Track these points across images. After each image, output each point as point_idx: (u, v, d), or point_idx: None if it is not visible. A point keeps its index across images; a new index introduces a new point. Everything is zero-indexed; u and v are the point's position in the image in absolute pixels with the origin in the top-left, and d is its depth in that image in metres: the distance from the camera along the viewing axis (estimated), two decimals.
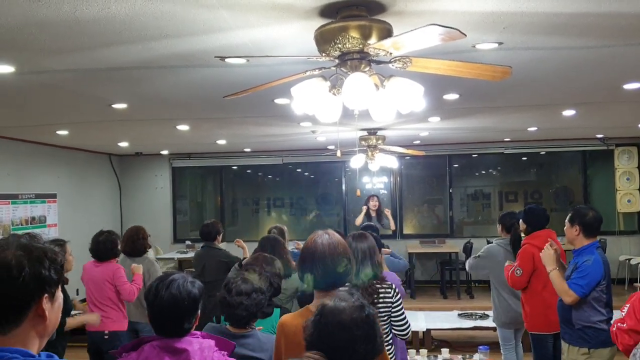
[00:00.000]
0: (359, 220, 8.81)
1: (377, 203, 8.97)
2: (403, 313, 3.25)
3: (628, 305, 3.16)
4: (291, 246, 6.05)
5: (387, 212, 9.07)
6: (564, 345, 4.01)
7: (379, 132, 7.79)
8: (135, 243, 5.29)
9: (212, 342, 2.23)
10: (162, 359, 2.14)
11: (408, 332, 3.27)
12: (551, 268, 4.02)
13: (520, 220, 4.87)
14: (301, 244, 6.16)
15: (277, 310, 3.23)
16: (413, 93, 2.85)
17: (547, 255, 4.07)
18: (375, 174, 10.74)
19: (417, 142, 9.99)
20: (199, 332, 2.25)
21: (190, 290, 2.24)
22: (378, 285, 3.23)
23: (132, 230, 5.41)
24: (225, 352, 2.25)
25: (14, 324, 1.31)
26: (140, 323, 5.15)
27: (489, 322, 7.03)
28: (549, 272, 4.04)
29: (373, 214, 8.91)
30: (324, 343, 1.83)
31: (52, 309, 1.36)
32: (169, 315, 2.21)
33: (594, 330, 3.76)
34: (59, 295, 1.40)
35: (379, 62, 2.85)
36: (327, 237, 2.38)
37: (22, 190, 8.21)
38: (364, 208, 8.94)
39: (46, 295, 1.34)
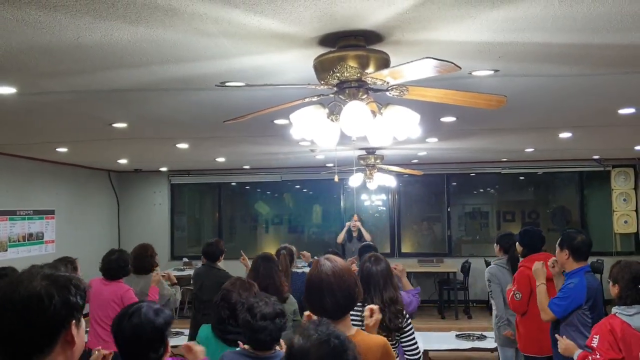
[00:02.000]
0: (340, 237, 9.27)
1: (357, 222, 9.30)
2: (413, 338, 3.25)
3: (597, 337, 3.19)
4: (299, 264, 6.05)
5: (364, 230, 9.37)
6: None
7: (377, 152, 7.83)
8: (143, 261, 5.27)
9: None
10: None
11: (419, 357, 3.29)
12: (540, 282, 4.13)
13: (517, 243, 4.90)
14: (307, 254, 6.16)
15: None
16: (409, 121, 2.90)
17: (538, 270, 4.17)
18: (373, 192, 10.79)
19: (415, 161, 10.03)
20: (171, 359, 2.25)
21: (153, 320, 2.22)
22: (398, 308, 3.24)
23: (141, 247, 5.41)
24: None
25: (46, 352, 1.35)
26: None
27: (487, 344, 7.01)
28: (537, 285, 4.14)
29: (355, 234, 9.19)
30: None
31: (79, 333, 1.41)
32: (132, 347, 2.22)
33: None
34: (83, 320, 1.44)
35: (376, 90, 2.90)
36: (329, 264, 2.33)
37: (20, 207, 8.24)
38: (347, 224, 9.35)
39: (74, 320, 1.38)
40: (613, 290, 3.33)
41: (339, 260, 2.42)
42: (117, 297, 4.79)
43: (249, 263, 5.88)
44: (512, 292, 4.65)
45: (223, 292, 3.40)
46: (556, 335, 3.73)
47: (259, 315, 2.77)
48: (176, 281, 5.80)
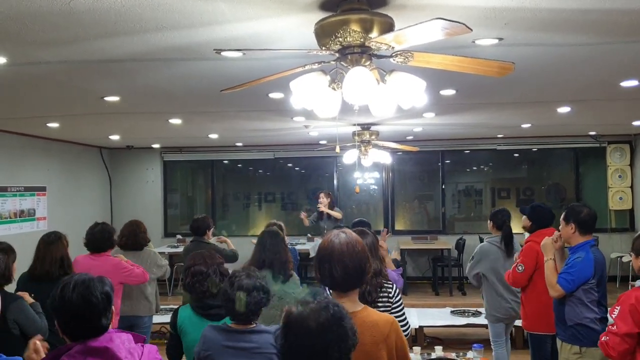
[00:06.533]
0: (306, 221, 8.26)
1: (325, 200, 8.22)
2: (403, 313, 3.22)
3: (618, 308, 3.15)
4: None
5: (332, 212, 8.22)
6: (559, 343, 3.98)
7: (373, 128, 7.75)
8: (137, 237, 5.25)
9: (129, 335, 2.15)
10: None
11: (407, 332, 3.25)
12: (548, 257, 4.01)
13: (524, 217, 4.83)
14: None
15: None
16: (415, 88, 2.81)
17: (547, 244, 4.06)
18: (367, 170, 10.73)
19: (410, 137, 9.96)
20: (112, 329, 2.15)
21: (98, 286, 2.13)
22: (383, 281, 3.19)
23: (133, 224, 5.34)
24: (140, 344, 2.18)
25: None
26: (140, 317, 5.14)
27: (482, 320, 7.03)
28: (545, 261, 4.03)
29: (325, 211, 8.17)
30: (297, 354, 1.82)
31: None
32: (82, 316, 2.08)
33: (586, 328, 3.73)
34: None
35: (380, 57, 2.81)
36: (344, 236, 2.29)
37: (11, 183, 8.11)
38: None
39: None
40: (636, 262, 3.27)
41: (354, 234, 2.37)
42: (110, 271, 4.66)
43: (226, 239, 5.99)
44: (515, 264, 4.59)
45: (189, 270, 3.29)
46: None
47: (236, 286, 2.71)
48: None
